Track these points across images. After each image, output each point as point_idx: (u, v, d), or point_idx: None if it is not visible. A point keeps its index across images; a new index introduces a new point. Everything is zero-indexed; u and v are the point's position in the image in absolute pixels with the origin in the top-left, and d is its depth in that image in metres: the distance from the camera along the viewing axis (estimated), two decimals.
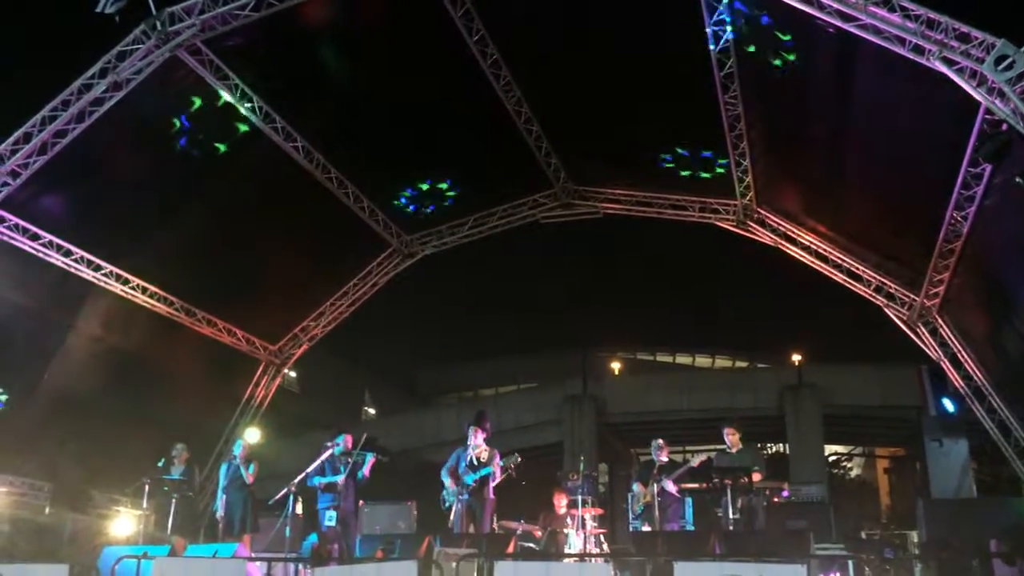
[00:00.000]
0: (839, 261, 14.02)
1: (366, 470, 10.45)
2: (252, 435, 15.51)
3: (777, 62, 10.67)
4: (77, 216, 12.74)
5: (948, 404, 19.55)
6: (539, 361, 34.53)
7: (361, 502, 11.40)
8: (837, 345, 27.52)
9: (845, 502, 21.24)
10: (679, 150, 13.85)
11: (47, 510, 13.46)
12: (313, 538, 11.08)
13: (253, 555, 9.98)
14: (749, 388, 24.12)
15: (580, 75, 12.41)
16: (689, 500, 11.28)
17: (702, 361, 37.98)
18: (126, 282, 13.82)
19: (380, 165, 14.30)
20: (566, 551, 10.34)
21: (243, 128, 12.75)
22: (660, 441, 10.79)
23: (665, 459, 10.67)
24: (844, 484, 26.80)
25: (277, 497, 10.12)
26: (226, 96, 12.14)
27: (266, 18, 10.79)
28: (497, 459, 10.27)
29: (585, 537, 10.39)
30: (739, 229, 14.82)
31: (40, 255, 12.61)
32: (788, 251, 14.44)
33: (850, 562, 8.50)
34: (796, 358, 24.86)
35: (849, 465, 29.01)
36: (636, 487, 10.70)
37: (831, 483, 22.15)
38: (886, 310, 13.81)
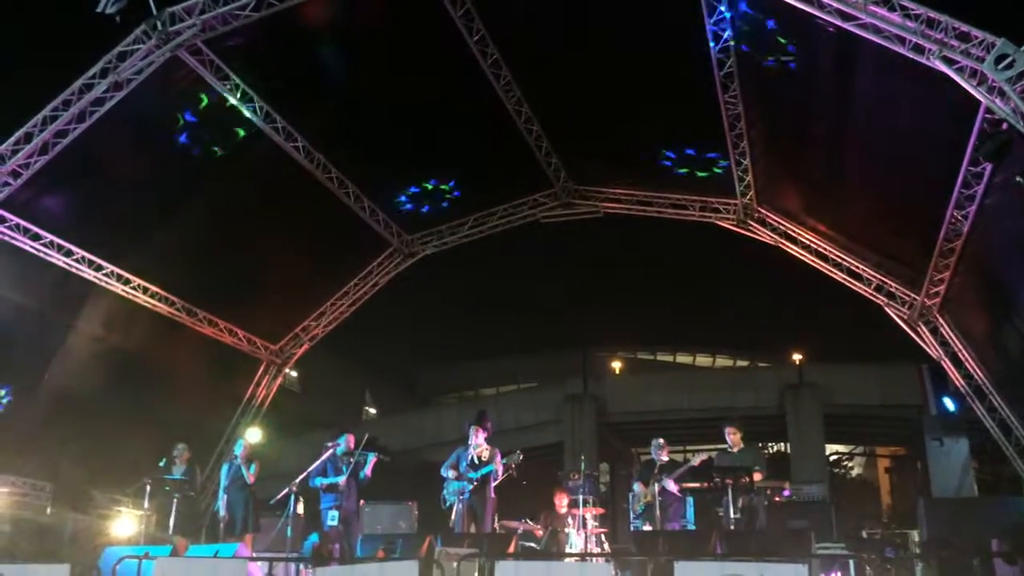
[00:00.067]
0: (839, 260, 14.03)
1: (368, 470, 10.46)
2: (253, 435, 15.51)
3: (775, 62, 10.68)
4: (78, 216, 12.76)
5: (949, 403, 19.54)
6: (539, 361, 34.52)
7: (362, 502, 11.41)
8: (838, 344, 27.53)
9: (846, 501, 21.21)
10: (679, 149, 13.85)
11: (48, 510, 13.48)
12: (314, 538, 11.09)
13: (254, 555, 9.99)
14: (750, 387, 24.10)
15: (580, 75, 12.41)
16: (690, 500, 11.29)
17: (702, 360, 37.98)
18: (127, 282, 13.84)
19: (381, 165, 14.30)
20: (567, 551, 10.35)
21: (243, 128, 12.76)
22: (660, 440, 10.78)
23: (666, 458, 10.66)
24: (845, 483, 26.80)
25: (278, 497, 10.13)
26: (226, 96, 12.15)
27: (266, 18, 10.79)
28: (498, 457, 10.29)
29: (586, 537, 10.41)
30: (739, 228, 14.82)
31: (41, 255, 12.62)
32: (788, 250, 14.44)
33: (851, 561, 8.51)
34: (797, 357, 24.85)
35: (850, 464, 29.01)
36: (637, 487, 10.71)
37: (832, 482, 22.13)
38: (887, 309, 13.81)
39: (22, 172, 11.47)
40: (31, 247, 12.47)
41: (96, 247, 13.20)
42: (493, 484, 10.20)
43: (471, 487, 10.02)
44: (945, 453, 20.54)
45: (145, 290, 14.14)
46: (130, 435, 13.61)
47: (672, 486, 10.32)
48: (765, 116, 12.26)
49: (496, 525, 10.45)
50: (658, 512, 10.12)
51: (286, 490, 9.82)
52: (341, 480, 10.33)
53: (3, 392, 12.89)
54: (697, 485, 10.22)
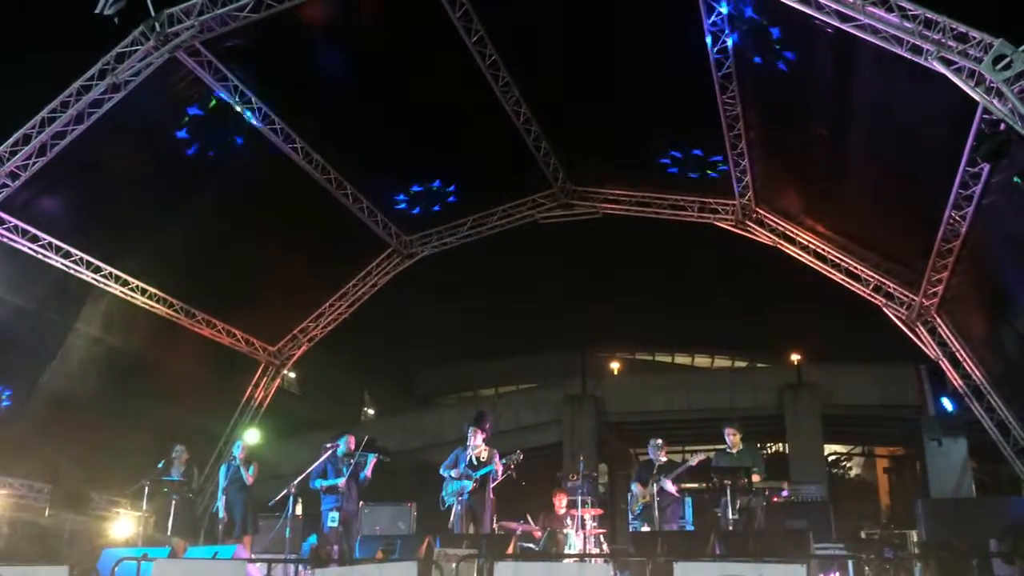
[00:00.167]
0: (838, 261, 14.03)
1: (368, 471, 10.47)
2: (252, 436, 15.53)
3: (773, 63, 10.69)
4: (76, 218, 12.75)
5: (947, 403, 19.51)
6: (538, 361, 34.53)
7: (360, 503, 11.42)
8: (836, 345, 27.49)
9: (845, 502, 21.25)
10: (678, 150, 13.86)
11: (47, 512, 13.49)
12: (313, 539, 11.10)
13: (253, 556, 10.01)
14: (748, 388, 24.11)
15: (579, 75, 12.42)
16: (689, 500, 11.30)
17: (701, 361, 37.98)
18: (125, 283, 13.83)
19: (379, 166, 14.31)
20: (566, 551, 10.35)
21: (242, 129, 12.75)
22: (659, 441, 10.79)
23: (664, 459, 10.66)
24: (844, 484, 26.85)
25: (277, 498, 10.13)
26: (225, 97, 12.15)
27: (265, 19, 10.78)
28: (497, 458, 10.29)
29: (585, 537, 10.41)
30: (738, 229, 14.82)
31: (39, 257, 12.62)
32: (787, 251, 14.45)
33: (850, 562, 8.54)
34: (795, 358, 24.86)
35: (848, 465, 29.05)
36: (635, 487, 10.71)
37: (831, 483, 22.14)
38: (885, 309, 13.82)
39: (20, 174, 11.47)
40: (29, 249, 12.46)
41: (94, 249, 13.20)
42: (492, 485, 10.21)
43: (470, 488, 10.02)
44: (943, 453, 20.56)
45: (143, 291, 14.14)
46: (129, 437, 13.62)
47: (670, 486, 10.32)
48: (763, 117, 12.27)
49: (495, 526, 10.45)
50: (656, 513, 10.12)
51: (285, 491, 9.82)
52: (341, 482, 10.33)
53: (3, 395, 12.89)
54: (696, 485, 10.22)
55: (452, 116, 13.16)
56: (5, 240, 12.21)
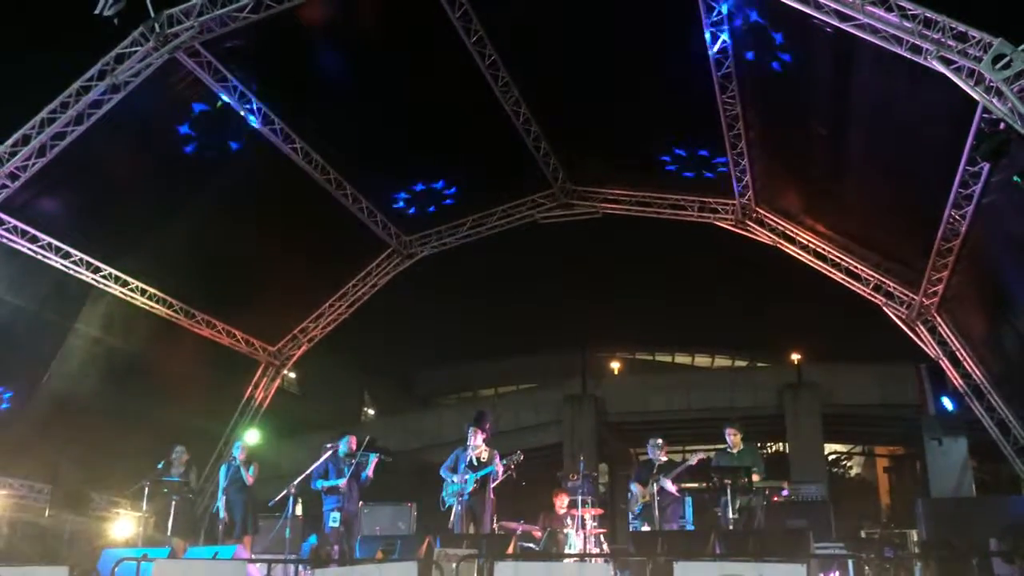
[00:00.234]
0: (838, 260, 14.03)
1: (370, 471, 10.47)
2: (252, 436, 15.52)
3: (772, 63, 10.69)
4: (76, 218, 12.76)
5: (947, 403, 19.52)
6: (538, 361, 34.50)
7: (360, 503, 11.42)
8: (836, 344, 27.50)
9: (845, 501, 21.24)
10: (678, 150, 13.86)
11: (47, 512, 13.49)
12: (313, 539, 11.10)
13: (253, 557, 10.01)
14: (749, 387, 24.10)
15: (578, 75, 12.42)
16: (689, 500, 11.28)
17: (701, 361, 37.97)
18: (125, 284, 13.83)
19: (378, 166, 14.31)
20: (566, 551, 10.35)
21: (241, 130, 12.75)
22: (659, 440, 10.77)
23: (664, 458, 10.64)
24: (844, 483, 26.83)
25: (277, 498, 10.13)
26: (224, 98, 12.15)
27: (265, 20, 10.78)
28: (497, 458, 10.28)
29: (585, 537, 10.41)
30: (738, 229, 14.83)
31: (39, 257, 12.62)
32: (787, 250, 14.45)
33: (850, 561, 8.53)
34: (795, 357, 24.86)
35: (849, 464, 29.04)
36: (634, 487, 10.69)
37: (831, 482, 22.10)
38: (885, 309, 13.83)
39: (20, 174, 11.47)
40: (29, 249, 12.47)
41: (94, 249, 13.20)
42: (492, 485, 10.20)
43: (471, 488, 10.02)
44: (944, 452, 20.55)
45: (143, 292, 14.14)
46: (129, 437, 13.63)
47: (670, 486, 10.31)
48: (763, 116, 12.27)
49: (495, 526, 10.45)
50: (656, 512, 10.12)
51: (285, 492, 9.82)
52: (342, 483, 10.32)
53: (3, 396, 12.89)
54: (696, 485, 10.21)
55: (452, 116, 13.16)
56: (5, 241, 12.21)
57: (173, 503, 10.79)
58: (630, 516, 10.90)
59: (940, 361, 13.57)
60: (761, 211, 14.49)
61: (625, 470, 22.39)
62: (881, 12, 8.55)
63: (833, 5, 8.76)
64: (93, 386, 13.89)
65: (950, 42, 8.31)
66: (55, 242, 12.72)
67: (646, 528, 10.30)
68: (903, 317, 13.59)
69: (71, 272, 13.06)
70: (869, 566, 9.47)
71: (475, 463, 10.17)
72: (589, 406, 23.81)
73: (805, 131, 11.88)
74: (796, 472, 20.59)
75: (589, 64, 12.10)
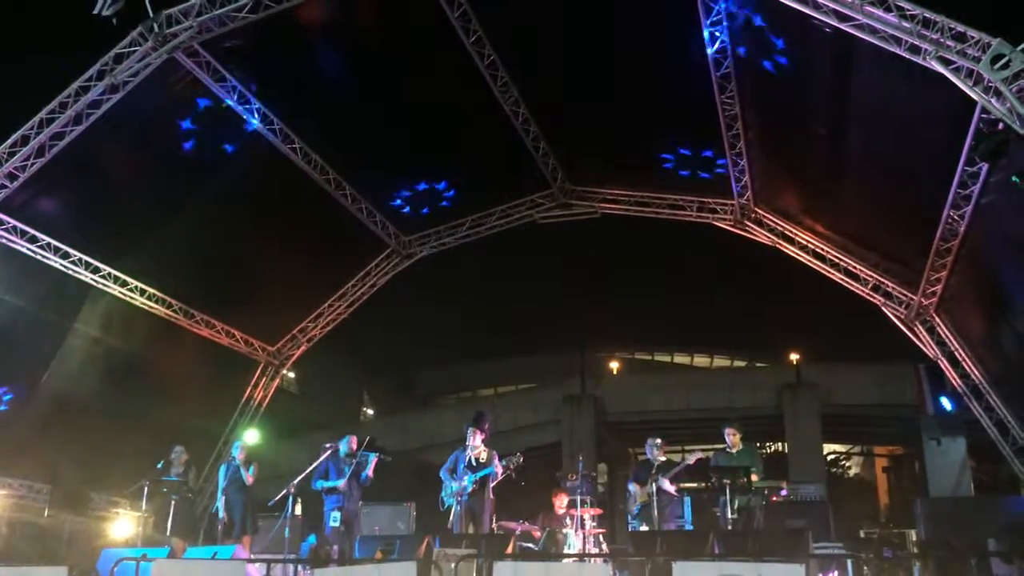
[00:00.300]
0: (837, 260, 14.05)
1: (370, 471, 10.46)
2: (251, 436, 15.53)
3: (771, 63, 10.70)
4: (75, 218, 12.77)
5: (946, 403, 19.55)
6: (537, 361, 34.47)
7: (360, 503, 11.42)
8: (835, 344, 27.49)
9: (843, 501, 21.24)
10: (677, 150, 13.87)
11: (46, 512, 13.49)
12: (312, 539, 11.09)
13: (252, 556, 10.00)
14: (747, 387, 24.08)
15: (577, 75, 12.42)
16: (688, 499, 11.28)
17: (700, 361, 37.95)
18: (124, 284, 13.83)
19: (378, 166, 14.32)
20: (565, 551, 10.35)
21: (240, 130, 12.76)
22: (657, 440, 10.77)
23: (662, 458, 10.64)
24: (843, 483, 26.82)
25: (276, 498, 10.13)
26: (223, 98, 12.15)
27: (264, 20, 10.79)
28: (496, 459, 10.28)
29: (584, 537, 10.41)
30: (737, 229, 14.84)
31: (38, 257, 12.62)
32: (786, 250, 14.46)
33: (849, 561, 8.53)
34: (794, 357, 24.85)
35: (848, 464, 29.03)
36: (632, 487, 10.69)
37: (829, 482, 22.12)
38: (884, 309, 13.83)
39: (19, 175, 11.47)
40: (28, 249, 12.47)
41: (93, 249, 13.21)
42: (491, 485, 10.20)
43: (470, 489, 10.01)
44: (942, 452, 20.54)
45: (142, 292, 14.14)
46: (128, 437, 13.63)
47: (668, 486, 10.32)
48: (762, 117, 12.28)
49: (494, 526, 10.45)
50: (655, 512, 10.12)
51: (284, 491, 9.81)
52: (342, 483, 10.31)
53: (2, 396, 12.89)
54: (695, 485, 10.21)
55: (451, 116, 13.17)
56: (4, 241, 12.22)
57: (172, 503, 10.79)
58: (628, 516, 10.91)
59: (939, 361, 13.58)
60: (760, 211, 14.50)
61: (624, 470, 22.42)
62: (880, 12, 8.56)
63: (832, 5, 8.76)
64: (92, 386, 13.89)
65: (949, 42, 8.31)
66: (54, 242, 12.73)
67: (644, 528, 10.30)
68: (902, 317, 13.60)
69: (70, 272, 13.06)
70: (868, 566, 9.47)
71: (474, 464, 10.16)
72: (588, 406, 23.79)
73: (804, 131, 11.88)
74: (795, 472, 20.59)
75: (588, 64, 12.10)
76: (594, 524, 10.68)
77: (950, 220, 10.97)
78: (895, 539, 14.77)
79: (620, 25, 11.23)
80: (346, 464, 10.45)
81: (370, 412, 36.66)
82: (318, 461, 10.41)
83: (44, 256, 12.67)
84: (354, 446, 10.57)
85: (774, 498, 11.87)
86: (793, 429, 22.57)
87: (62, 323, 13.53)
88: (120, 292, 13.80)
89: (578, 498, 10.67)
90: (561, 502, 11.26)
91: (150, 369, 14.70)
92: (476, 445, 10.29)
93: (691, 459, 10.35)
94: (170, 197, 13.04)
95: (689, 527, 12.11)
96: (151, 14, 10.82)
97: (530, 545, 10.78)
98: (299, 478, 9.98)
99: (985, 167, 9.68)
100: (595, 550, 10.39)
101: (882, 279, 13.68)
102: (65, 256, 12.93)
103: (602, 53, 11.81)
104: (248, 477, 11.23)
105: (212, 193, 13.30)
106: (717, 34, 10.95)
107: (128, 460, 12.94)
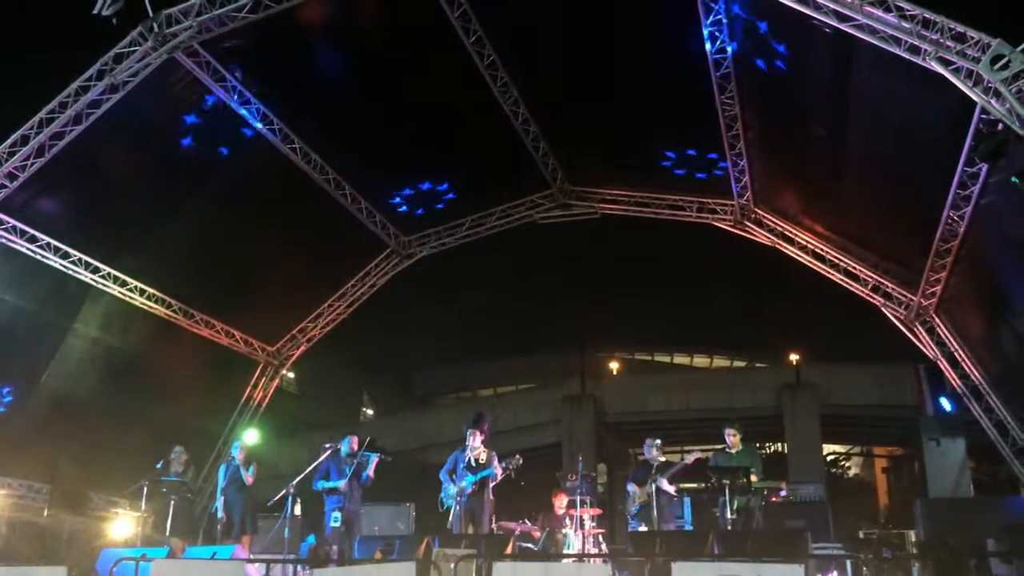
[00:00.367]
0: (836, 261, 14.05)
1: (370, 471, 10.46)
2: (251, 436, 15.52)
3: (771, 64, 10.70)
4: (75, 218, 12.77)
5: (945, 403, 19.52)
6: (537, 361, 34.47)
7: (360, 503, 11.41)
8: (835, 345, 27.49)
9: (843, 501, 21.24)
10: (676, 150, 13.87)
11: (46, 512, 13.49)
12: (311, 539, 11.09)
13: (252, 557, 10.01)
14: (747, 388, 24.09)
15: (577, 75, 12.43)
16: (687, 500, 11.28)
17: (700, 361, 37.94)
18: (124, 284, 13.83)
19: (378, 166, 14.32)
20: (565, 551, 10.35)
21: (240, 130, 12.76)
22: (657, 440, 10.76)
23: (661, 458, 10.64)
24: (842, 483, 26.82)
25: (276, 498, 10.13)
26: (223, 98, 12.15)
27: (263, 20, 10.79)
28: (496, 460, 10.27)
29: (584, 537, 10.41)
30: (736, 229, 14.84)
31: (38, 257, 12.62)
32: (786, 251, 14.46)
33: (848, 561, 8.54)
34: (794, 358, 24.86)
35: (847, 464, 29.04)
36: (631, 487, 10.68)
37: (829, 482, 22.10)
38: (883, 309, 13.84)
39: (18, 174, 11.47)
40: (28, 249, 12.47)
41: (93, 249, 13.21)
42: (491, 486, 10.19)
43: (469, 490, 10.01)
44: (942, 453, 20.56)
45: (142, 292, 14.14)
46: (127, 437, 13.63)
47: (667, 486, 10.31)
48: (762, 117, 12.28)
49: (494, 526, 10.45)
50: (655, 512, 10.12)
51: (284, 491, 9.81)
52: (343, 484, 10.30)
53: (2, 395, 12.89)
54: (694, 485, 10.21)
55: (450, 116, 13.17)
56: (4, 241, 12.22)
57: (172, 503, 10.78)
58: (628, 516, 10.91)
59: (938, 362, 13.58)
60: (760, 211, 14.50)
61: (624, 470, 22.38)
62: (879, 12, 8.56)
63: (832, 5, 8.76)
64: (92, 386, 13.89)
65: (948, 42, 8.31)
66: (54, 242, 12.73)
67: (643, 528, 10.30)
68: (901, 318, 13.60)
69: (70, 272, 13.06)
70: (867, 566, 9.47)
71: (473, 464, 10.16)
72: (588, 406, 23.80)
73: (804, 132, 11.89)
74: (794, 472, 20.61)
75: (588, 64, 12.11)
76: (593, 524, 10.69)
77: (950, 220, 10.97)
78: (894, 540, 14.74)
79: (620, 25, 11.23)
80: (347, 464, 10.44)
81: (370, 412, 36.64)
82: (318, 461, 10.41)
83: (44, 256, 12.67)
84: (355, 446, 10.55)
85: (773, 498, 11.87)
86: (793, 429, 22.58)
87: (62, 323, 13.53)
88: (120, 292, 13.80)
89: (578, 498, 10.67)
90: (561, 502, 11.26)
91: (150, 369, 14.70)
92: (476, 446, 10.28)
93: (689, 459, 10.35)
94: (170, 197, 13.04)
95: (688, 527, 12.11)
96: (151, 14, 10.81)
97: (530, 545, 10.78)
98: (299, 478, 9.98)
99: (985, 168, 9.68)
100: (594, 550, 10.40)
101: (882, 279, 13.68)
102: (65, 256, 12.93)
103: (602, 53, 11.82)
104: (248, 477, 11.22)
105: (212, 193, 13.31)
106: (716, 35, 10.95)
107: (127, 460, 12.94)
